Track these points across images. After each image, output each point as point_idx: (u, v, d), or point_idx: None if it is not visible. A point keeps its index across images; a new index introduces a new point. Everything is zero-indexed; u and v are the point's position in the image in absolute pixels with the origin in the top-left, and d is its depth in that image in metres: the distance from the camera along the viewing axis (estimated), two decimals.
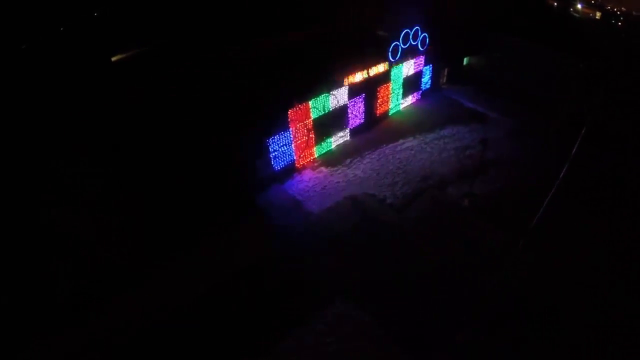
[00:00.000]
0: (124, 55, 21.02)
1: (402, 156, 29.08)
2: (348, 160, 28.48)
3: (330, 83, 26.65)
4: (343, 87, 27.96)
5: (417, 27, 32.47)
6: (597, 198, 25.08)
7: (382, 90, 32.27)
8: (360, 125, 31.81)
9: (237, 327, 16.95)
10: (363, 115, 31.53)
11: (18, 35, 18.67)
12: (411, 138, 31.24)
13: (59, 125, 17.52)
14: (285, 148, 26.04)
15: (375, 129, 32.74)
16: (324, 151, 29.45)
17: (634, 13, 73.56)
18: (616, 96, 35.67)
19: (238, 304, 17.78)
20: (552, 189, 22.97)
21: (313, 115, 26.73)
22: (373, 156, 29.04)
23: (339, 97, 28.07)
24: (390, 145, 30.30)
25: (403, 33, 31.46)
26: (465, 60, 43.56)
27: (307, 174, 27.23)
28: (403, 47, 31.91)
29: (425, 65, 36.33)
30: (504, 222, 22.64)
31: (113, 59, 20.82)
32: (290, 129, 25.66)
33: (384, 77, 31.77)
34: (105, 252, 15.92)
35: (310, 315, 17.53)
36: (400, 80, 33.90)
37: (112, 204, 17.40)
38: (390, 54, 30.96)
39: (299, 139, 26.67)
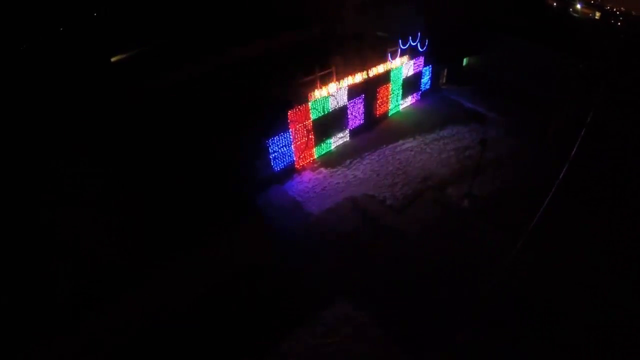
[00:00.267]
0: (123, 55, 21.14)
1: (401, 157, 29.20)
2: (348, 161, 28.62)
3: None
4: (343, 88, 28.12)
5: (416, 28, 32.72)
6: (597, 198, 25.17)
7: (381, 91, 32.45)
8: (360, 126, 31.97)
9: (237, 328, 17.02)
10: (363, 116, 31.69)
11: (18, 36, 18.77)
12: (411, 139, 31.38)
13: (59, 125, 17.64)
14: (285, 149, 26.17)
15: (375, 129, 32.89)
16: (323, 152, 29.59)
17: (633, 13, 73.84)
18: (616, 96, 35.82)
19: (238, 304, 17.86)
20: (552, 189, 23.07)
21: (313, 116, 26.87)
22: (373, 157, 29.17)
23: (338, 98, 28.24)
24: (390, 146, 30.44)
25: (403, 34, 31.67)
26: (464, 61, 43.75)
27: (307, 175, 27.35)
28: (402, 48, 32.10)
29: (425, 65, 36.48)
30: (504, 223, 22.72)
31: (113, 59, 20.94)
32: (290, 129, 25.83)
33: (384, 78, 31.97)
34: (105, 252, 15.99)
35: (310, 315, 17.61)
36: (400, 81, 34.06)
37: (112, 204, 17.49)
38: (390, 54, 31.16)
39: (298, 140, 26.81)
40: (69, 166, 16.89)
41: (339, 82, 27.52)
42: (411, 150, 29.96)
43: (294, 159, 27.30)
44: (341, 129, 30.18)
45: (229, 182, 21.16)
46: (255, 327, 17.10)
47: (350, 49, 29.34)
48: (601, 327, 17.53)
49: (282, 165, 26.50)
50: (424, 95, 38.39)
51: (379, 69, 30.56)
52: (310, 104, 26.16)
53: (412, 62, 34.16)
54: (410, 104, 37.21)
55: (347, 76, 28.06)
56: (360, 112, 31.28)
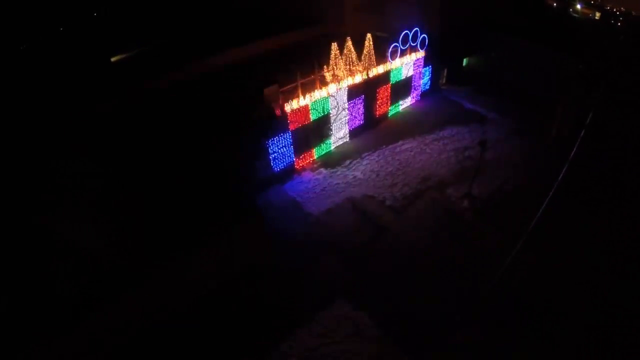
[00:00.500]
0: (123, 56, 21.23)
1: (401, 157, 29.31)
2: (347, 162, 28.72)
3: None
4: (343, 89, 28.21)
5: (416, 29, 32.81)
6: (597, 198, 25.26)
7: (381, 92, 32.55)
8: (360, 126, 32.07)
9: (237, 328, 17.11)
10: (362, 116, 31.80)
11: (18, 35, 18.86)
12: (410, 139, 31.47)
13: (59, 125, 17.73)
14: (285, 149, 26.27)
15: (375, 130, 32.98)
16: (323, 152, 29.69)
17: (633, 13, 74.08)
18: (616, 96, 35.95)
19: (238, 305, 17.95)
20: (552, 189, 23.14)
21: (312, 116, 26.96)
22: (372, 157, 29.27)
23: (338, 98, 28.33)
24: (390, 146, 30.53)
25: (402, 34, 31.77)
26: (464, 61, 43.86)
27: (307, 175, 27.45)
28: (402, 48, 32.20)
29: (425, 66, 36.60)
30: (503, 223, 22.81)
31: (113, 59, 21.04)
32: (290, 130, 25.92)
33: (384, 79, 32.06)
34: (105, 252, 16.04)
35: (310, 315, 17.70)
36: (400, 82, 34.18)
37: (112, 204, 17.57)
38: (389, 55, 31.25)
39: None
40: (69, 166, 16.99)
41: (339, 83, 27.65)
42: (411, 151, 30.07)
43: (294, 159, 27.42)
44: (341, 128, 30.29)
45: (229, 182, 21.23)
46: (255, 327, 17.19)
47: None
48: (601, 327, 17.61)
49: (282, 166, 26.60)
50: (424, 95, 38.46)
51: (379, 69, 30.69)
52: (310, 104, 26.28)
53: (411, 62, 34.27)
54: (410, 105, 37.28)
55: (347, 77, 28.19)
56: (360, 112, 31.38)
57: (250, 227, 19.20)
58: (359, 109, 31.07)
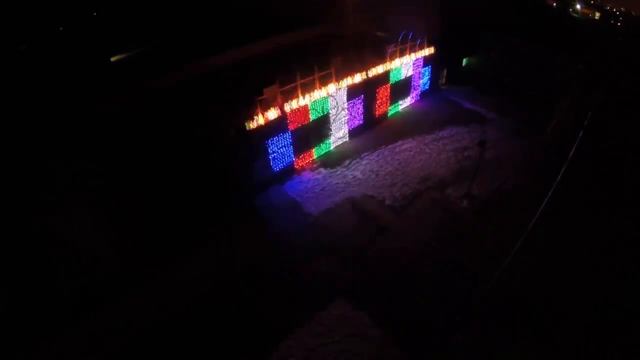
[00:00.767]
0: (123, 55, 21.30)
1: (401, 157, 29.40)
2: (347, 162, 28.80)
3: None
4: (342, 89, 28.29)
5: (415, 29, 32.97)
6: (597, 198, 25.38)
7: (381, 92, 32.65)
8: (360, 126, 32.15)
9: (237, 328, 17.17)
10: (362, 116, 31.88)
11: (18, 35, 18.93)
12: (410, 139, 31.56)
13: (59, 125, 17.81)
14: (285, 149, 26.35)
15: (374, 130, 33.05)
16: (323, 152, 29.76)
17: (633, 13, 74.35)
18: (616, 96, 36.11)
19: (238, 305, 18.01)
20: (551, 189, 23.24)
21: (312, 116, 27.04)
22: (372, 157, 29.36)
23: (337, 98, 28.42)
24: (389, 146, 30.62)
25: (402, 34, 31.90)
26: (464, 61, 44.00)
27: (306, 175, 27.52)
28: (402, 48, 32.30)
29: (425, 66, 36.71)
30: (503, 223, 22.89)
31: (112, 59, 21.10)
32: (289, 130, 26.01)
33: (383, 78, 32.15)
34: (105, 252, 16.13)
35: (310, 315, 17.76)
36: (399, 82, 34.29)
37: (112, 204, 17.65)
38: (389, 55, 31.36)
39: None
40: (69, 166, 17.07)
41: (339, 83, 27.71)
42: (410, 151, 30.16)
43: (293, 159, 27.50)
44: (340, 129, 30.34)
45: (228, 183, 21.32)
46: (255, 327, 17.25)
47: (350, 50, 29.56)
48: (601, 327, 17.71)
49: (281, 166, 26.65)
50: (424, 95, 38.57)
51: (378, 69, 30.78)
52: (309, 104, 26.35)
53: (411, 62, 34.38)
54: (410, 105, 37.38)
55: (346, 76, 28.26)
56: (360, 112, 31.46)
57: (249, 228, 19.31)
58: (359, 108, 31.15)
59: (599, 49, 44.46)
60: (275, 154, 25.76)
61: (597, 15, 71.80)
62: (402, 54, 32.64)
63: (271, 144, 25.14)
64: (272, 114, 23.20)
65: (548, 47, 38.65)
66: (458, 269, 20.16)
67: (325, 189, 26.10)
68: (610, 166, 28.86)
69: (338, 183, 26.68)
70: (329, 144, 30.00)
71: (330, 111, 28.23)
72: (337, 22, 33.98)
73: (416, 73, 35.86)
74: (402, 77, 34.21)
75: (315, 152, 29.16)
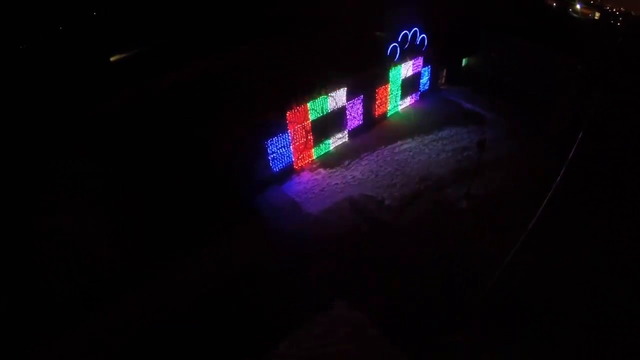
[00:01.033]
0: (123, 56, 21.45)
1: (400, 157, 29.60)
2: (346, 162, 28.98)
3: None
4: (342, 89, 28.50)
5: (415, 29, 33.20)
6: (597, 198, 25.60)
7: (380, 92, 32.86)
8: (359, 126, 32.35)
9: (236, 328, 17.32)
10: (361, 116, 32.09)
11: (18, 35, 19.07)
12: (409, 139, 31.76)
13: (59, 125, 17.96)
14: (284, 150, 26.52)
15: (374, 130, 33.27)
16: (322, 153, 29.95)
17: (633, 13, 74.84)
18: (615, 96, 36.36)
19: (237, 305, 18.16)
20: (551, 189, 23.41)
21: (311, 117, 27.22)
22: (371, 158, 29.55)
23: (337, 98, 28.62)
24: (389, 146, 30.81)
25: (402, 34, 32.13)
26: (463, 61, 44.22)
27: (306, 176, 27.70)
28: (402, 48, 32.53)
29: (424, 66, 36.96)
30: (503, 223, 23.05)
31: (112, 59, 21.25)
32: (289, 130, 26.19)
33: (382, 78, 32.38)
34: (105, 252, 16.26)
35: (309, 316, 17.88)
36: (399, 82, 34.49)
37: (112, 204, 17.80)
38: (388, 56, 31.58)
39: (297, 141, 27.14)
40: (69, 166, 17.21)
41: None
42: (410, 151, 30.36)
43: (293, 159, 27.68)
44: (340, 129, 30.53)
45: (228, 183, 21.47)
46: (254, 327, 17.41)
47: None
48: (601, 327, 17.89)
49: (280, 166, 26.84)
50: (423, 95, 38.81)
51: (378, 69, 30.96)
52: (309, 104, 26.54)
53: (411, 62, 34.60)
54: (409, 105, 37.62)
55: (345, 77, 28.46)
56: (359, 112, 31.67)
57: (249, 228, 19.46)
58: (358, 109, 31.37)
59: (599, 49, 44.76)
60: (274, 155, 25.97)
61: (597, 15, 72.26)
62: (401, 54, 32.86)
63: (270, 145, 25.36)
64: None
65: (548, 47, 38.88)
66: (457, 270, 20.33)
67: (324, 190, 26.28)
68: (610, 166, 29.09)
69: (337, 183, 26.87)
70: (329, 144, 30.20)
71: (329, 112, 28.46)
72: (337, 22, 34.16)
73: (416, 73, 36.10)
74: (402, 77, 34.48)
75: (315, 153, 29.37)
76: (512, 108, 37.30)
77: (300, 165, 28.42)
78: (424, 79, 38.03)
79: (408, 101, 37.35)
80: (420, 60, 35.86)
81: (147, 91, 21.06)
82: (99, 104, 19.55)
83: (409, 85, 36.24)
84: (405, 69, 34.37)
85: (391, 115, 35.64)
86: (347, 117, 30.38)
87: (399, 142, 31.36)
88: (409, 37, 33.03)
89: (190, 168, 20.57)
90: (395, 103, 35.64)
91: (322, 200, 25.19)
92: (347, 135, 31.47)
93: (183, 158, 20.48)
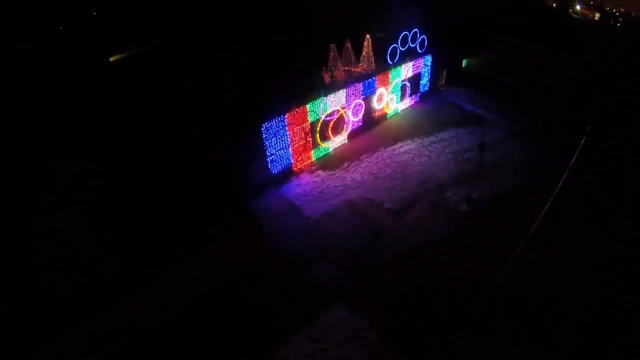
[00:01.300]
0: (122, 56, 21.73)
1: (400, 160, 29.86)
2: (346, 164, 29.24)
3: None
4: (341, 90, 28.85)
5: (415, 30, 33.65)
6: (597, 199, 25.90)
7: (380, 93, 33.20)
8: (359, 128, 32.70)
9: (235, 330, 17.51)
10: (361, 118, 32.42)
11: (18, 35, 19.33)
12: (409, 141, 32.07)
13: (58, 125, 18.24)
14: (283, 152, 26.81)
15: (374, 132, 33.58)
16: (321, 154, 30.22)
17: (632, 14, 75.66)
18: (616, 97, 36.72)
19: (236, 307, 18.35)
20: (552, 193, 23.65)
21: (310, 118, 27.53)
22: (371, 160, 29.81)
23: (336, 100, 28.94)
24: (389, 148, 31.11)
25: (402, 35, 32.56)
26: (464, 62, 44.67)
27: (305, 178, 27.93)
28: (401, 49, 32.96)
29: (424, 67, 37.30)
30: (503, 226, 23.30)
31: (111, 59, 21.54)
32: (288, 132, 26.50)
33: (383, 80, 32.69)
34: (105, 252, 16.47)
35: (308, 320, 18.10)
36: (399, 83, 34.91)
37: (112, 204, 18.07)
38: (388, 56, 31.98)
39: (296, 143, 27.43)
40: (69, 166, 17.49)
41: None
42: (410, 153, 30.65)
43: (292, 161, 27.95)
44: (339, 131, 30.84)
45: (227, 185, 21.70)
46: (254, 330, 17.61)
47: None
48: (601, 327, 18.15)
49: (279, 168, 27.12)
50: (423, 97, 39.18)
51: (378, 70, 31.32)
52: (308, 106, 26.86)
53: (410, 63, 34.94)
54: (409, 106, 37.97)
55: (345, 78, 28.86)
56: (359, 114, 31.99)
57: (248, 231, 19.65)
58: (358, 110, 31.71)
59: (599, 50, 45.29)
60: (273, 157, 26.24)
61: (597, 16, 73.01)
62: (401, 54, 33.27)
63: (269, 146, 25.63)
64: None
65: (548, 47, 39.37)
66: (457, 272, 20.57)
67: (323, 192, 26.52)
68: (610, 167, 29.37)
69: (337, 186, 27.11)
70: (328, 146, 30.49)
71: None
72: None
73: (416, 74, 36.46)
74: (402, 78, 34.86)
75: (314, 155, 29.66)
76: (513, 109, 37.54)
77: (299, 167, 28.72)
78: (424, 80, 38.38)
79: (408, 102, 37.70)
80: (420, 62, 36.24)
81: (147, 91, 21.37)
82: (99, 104, 19.90)
83: (409, 86, 36.45)
84: (405, 70, 34.77)
85: (391, 117, 36.00)
86: (347, 118, 30.75)
87: (399, 144, 31.65)
88: (409, 38, 33.45)
89: (189, 169, 20.86)
90: (396, 104, 36.06)
91: (320, 203, 25.41)
92: (346, 137, 31.78)
93: (182, 158, 20.80)
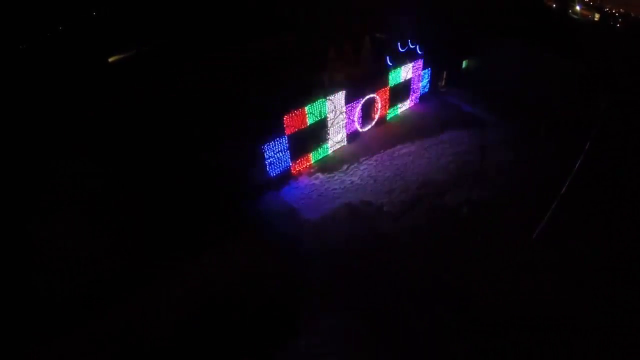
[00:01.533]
0: (122, 56, 21.82)
1: (399, 162, 30.00)
2: (345, 166, 29.33)
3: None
4: (340, 92, 29.06)
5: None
6: (597, 199, 26.15)
7: (379, 94, 33.34)
8: (358, 130, 32.83)
9: (232, 335, 17.52)
10: (360, 121, 32.46)
11: (17, 35, 19.42)
12: (409, 143, 32.20)
13: (58, 125, 18.38)
14: (281, 154, 26.90)
15: (373, 134, 33.64)
16: (320, 156, 30.32)
17: (632, 14, 76.34)
18: (616, 97, 37.11)
19: (233, 312, 18.38)
20: (554, 196, 23.89)
21: (309, 120, 27.67)
22: (370, 162, 29.92)
23: (335, 102, 29.05)
24: (388, 151, 31.23)
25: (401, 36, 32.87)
26: (464, 63, 44.99)
27: (303, 181, 28.00)
28: (401, 50, 33.21)
29: (424, 68, 37.45)
30: (504, 230, 23.51)
31: (110, 59, 21.65)
32: (286, 135, 26.58)
33: (382, 81, 32.92)
34: (106, 253, 16.59)
35: (305, 325, 18.19)
36: (398, 84, 35.00)
37: (112, 205, 18.18)
38: (387, 58, 32.23)
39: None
40: (69, 166, 17.61)
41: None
42: (409, 155, 30.81)
43: (290, 164, 28.00)
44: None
45: (224, 188, 21.85)
46: (250, 335, 17.65)
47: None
48: (601, 327, 18.36)
49: (278, 171, 27.15)
50: (423, 98, 39.29)
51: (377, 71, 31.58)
52: (306, 108, 27.02)
53: (410, 65, 35.09)
54: (409, 108, 38.11)
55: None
56: (358, 116, 32.10)
57: (246, 234, 19.80)
58: (357, 112, 31.87)
59: (599, 50, 45.76)
60: (271, 159, 26.37)
61: (597, 16, 73.62)
62: (401, 56, 33.55)
63: (267, 149, 25.80)
64: None
65: (548, 48, 39.76)
66: (457, 277, 20.71)
67: (322, 195, 26.59)
68: (610, 166, 29.69)
69: (335, 189, 27.19)
70: (327, 148, 30.58)
71: (328, 115, 28.79)
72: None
73: (415, 76, 36.52)
74: (401, 79, 34.90)
75: (313, 157, 29.74)
76: (513, 110, 37.71)
77: (297, 169, 28.88)
78: (424, 82, 38.50)
79: (408, 104, 37.82)
80: (419, 63, 36.38)
81: (146, 91, 21.52)
82: (98, 104, 20.06)
83: (409, 88, 36.68)
84: (405, 72, 34.94)
85: (391, 119, 36.15)
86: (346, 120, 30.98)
87: (399, 146, 31.75)
88: (409, 40, 33.73)
89: (189, 169, 21.01)
90: (395, 106, 36.20)
91: (319, 206, 25.44)
92: (345, 139, 31.85)
93: (181, 159, 20.97)
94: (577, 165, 24.85)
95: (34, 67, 19.87)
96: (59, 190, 17.45)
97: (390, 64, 32.75)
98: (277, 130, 25.69)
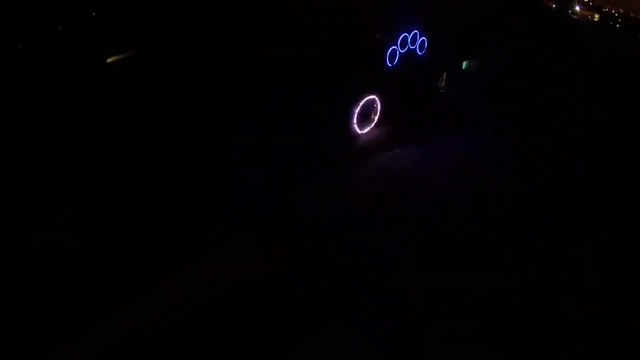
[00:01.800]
0: (121, 56, 22.26)
1: (398, 165, 29.77)
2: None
3: None
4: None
5: (415, 31, 34.43)
6: (597, 199, 26.65)
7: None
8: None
9: (232, 339, 17.41)
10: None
11: (17, 35, 19.87)
12: (409, 145, 32.12)
13: (57, 125, 18.79)
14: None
15: (373, 134, 33.26)
16: None
17: (632, 15, 77.56)
18: (616, 97, 37.88)
19: (235, 316, 18.32)
20: (554, 197, 24.35)
21: None
22: (369, 164, 29.67)
23: None
24: (387, 153, 31.01)
25: (401, 37, 33.34)
26: (464, 64, 45.67)
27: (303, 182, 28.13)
28: (401, 51, 33.72)
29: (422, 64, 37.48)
30: (504, 232, 23.60)
31: (108, 60, 22.09)
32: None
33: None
34: (106, 254, 16.84)
35: (304, 330, 17.32)
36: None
37: (112, 205, 18.57)
38: (387, 58, 32.75)
39: None
40: (67, 166, 17.96)
41: None
42: (409, 157, 30.84)
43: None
44: None
45: (223, 191, 22.08)
46: (250, 340, 17.18)
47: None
48: (601, 326, 18.58)
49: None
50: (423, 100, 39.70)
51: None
52: None
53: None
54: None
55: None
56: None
57: (249, 237, 19.89)
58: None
59: (599, 50, 46.60)
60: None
61: (597, 17, 74.65)
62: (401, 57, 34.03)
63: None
64: None
65: (548, 48, 40.54)
66: (456, 280, 20.47)
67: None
68: (610, 167, 30.20)
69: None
70: None
71: None
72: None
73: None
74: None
75: None
76: (514, 112, 38.31)
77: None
78: (424, 83, 39.13)
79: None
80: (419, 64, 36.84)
81: (146, 91, 21.96)
82: (98, 104, 20.51)
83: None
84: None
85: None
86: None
87: (398, 150, 31.67)
88: (409, 40, 34.23)
89: (188, 170, 21.37)
90: None
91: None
92: None
93: (182, 160, 21.35)
94: (577, 163, 25.38)
95: (34, 66, 20.26)
96: (57, 190, 17.80)
97: (390, 65, 33.14)
98: None
